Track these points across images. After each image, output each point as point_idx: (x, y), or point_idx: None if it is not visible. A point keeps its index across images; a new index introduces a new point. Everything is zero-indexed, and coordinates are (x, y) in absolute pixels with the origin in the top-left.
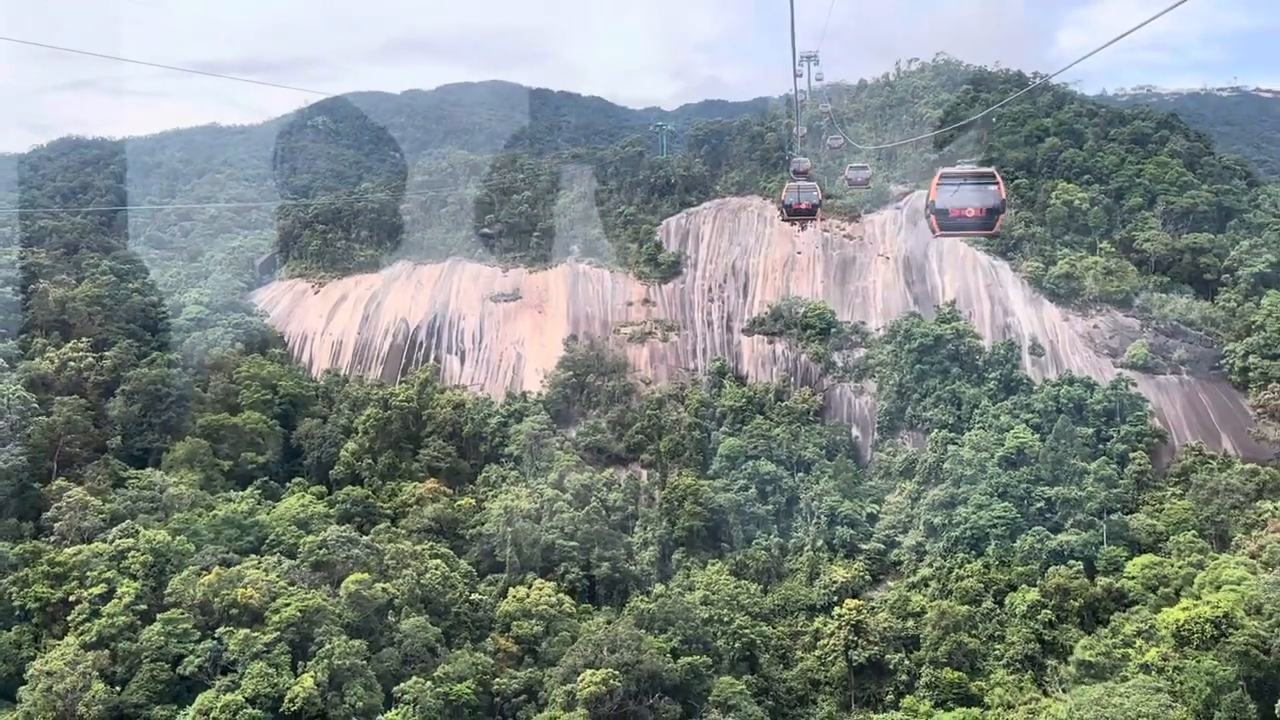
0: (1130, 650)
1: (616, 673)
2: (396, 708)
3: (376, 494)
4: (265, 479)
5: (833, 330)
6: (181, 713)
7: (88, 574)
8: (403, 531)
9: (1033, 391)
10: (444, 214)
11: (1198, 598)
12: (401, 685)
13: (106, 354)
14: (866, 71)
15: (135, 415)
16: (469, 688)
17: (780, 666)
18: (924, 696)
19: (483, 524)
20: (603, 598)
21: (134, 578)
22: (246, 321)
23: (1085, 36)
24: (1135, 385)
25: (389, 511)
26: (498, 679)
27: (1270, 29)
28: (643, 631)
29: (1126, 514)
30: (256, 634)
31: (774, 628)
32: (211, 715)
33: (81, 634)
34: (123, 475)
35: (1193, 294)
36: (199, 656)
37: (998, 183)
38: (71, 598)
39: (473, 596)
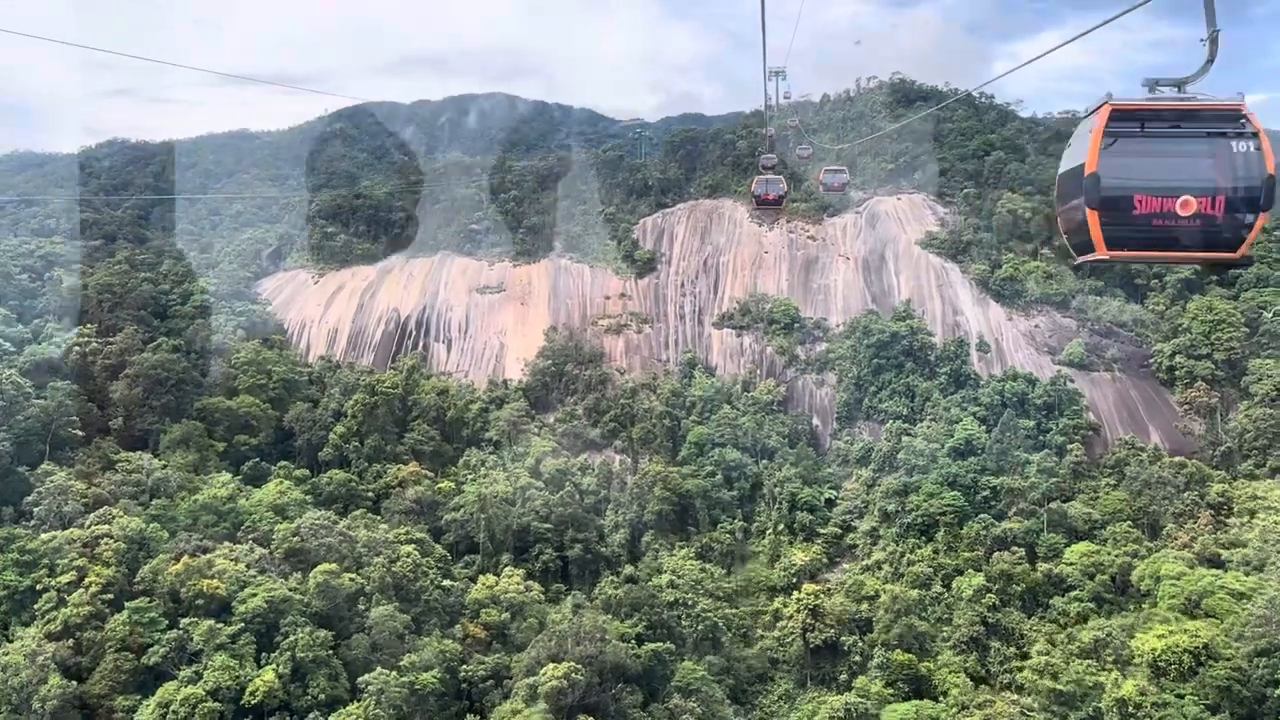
0: (1102, 677)
1: (579, 666)
2: (361, 699)
3: (362, 476)
4: (257, 460)
5: (796, 325)
6: (144, 704)
7: (58, 561)
8: (379, 517)
9: (980, 386)
10: (436, 211)
11: (1160, 606)
12: (365, 676)
13: (113, 339)
14: (828, 88)
15: (137, 398)
16: (435, 677)
17: (742, 645)
18: (876, 677)
19: (459, 508)
20: (575, 577)
21: (106, 565)
22: (249, 309)
23: (1009, 67)
24: (1072, 381)
25: (371, 494)
26: (465, 665)
27: (1169, 65)
28: (609, 616)
29: (1064, 502)
30: (221, 625)
31: (736, 608)
32: (171, 708)
33: (48, 623)
34: (114, 458)
35: (1124, 298)
36: (164, 646)
37: (1256, 133)
38: (39, 586)
39: (444, 583)
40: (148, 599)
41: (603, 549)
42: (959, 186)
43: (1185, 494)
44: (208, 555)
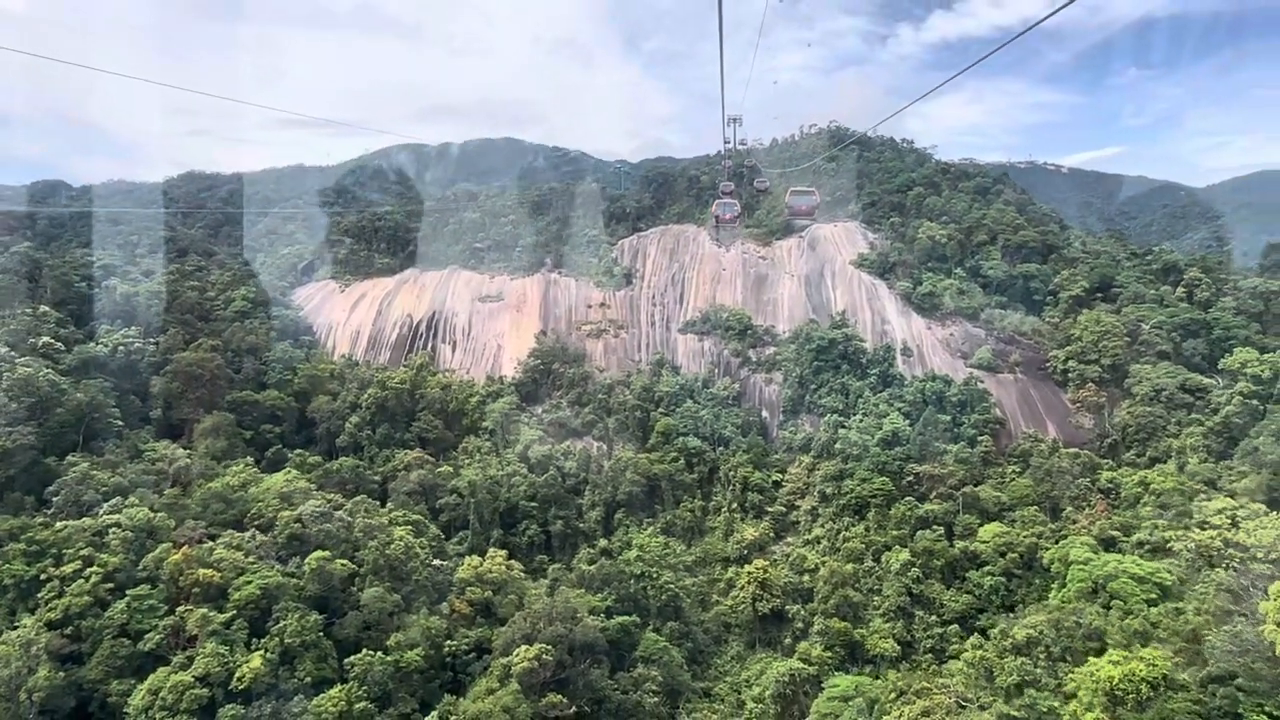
0: (1055, 701)
1: (549, 646)
2: (349, 680)
3: (373, 461)
4: (279, 446)
5: (749, 332)
6: (137, 688)
7: (65, 551)
8: (384, 501)
9: (904, 385)
10: (446, 232)
11: (1070, 588)
12: (351, 658)
13: (157, 339)
14: (776, 134)
15: (175, 391)
16: (419, 654)
17: (700, 610)
18: (816, 641)
19: (455, 490)
20: (557, 549)
21: (114, 554)
22: (283, 314)
23: (922, 121)
24: (982, 382)
25: (379, 478)
26: (450, 640)
27: (1050, 123)
28: (582, 590)
29: (976, 486)
30: (213, 613)
31: (696, 577)
32: (160, 694)
33: (49, 610)
34: (142, 448)
35: (1025, 311)
36: (159, 633)
37: None
38: (43, 575)
39: (435, 562)
40: (149, 586)
41: (581, 524)
42: (886, 216)
43: (1079, 480)
44: (209, 543)
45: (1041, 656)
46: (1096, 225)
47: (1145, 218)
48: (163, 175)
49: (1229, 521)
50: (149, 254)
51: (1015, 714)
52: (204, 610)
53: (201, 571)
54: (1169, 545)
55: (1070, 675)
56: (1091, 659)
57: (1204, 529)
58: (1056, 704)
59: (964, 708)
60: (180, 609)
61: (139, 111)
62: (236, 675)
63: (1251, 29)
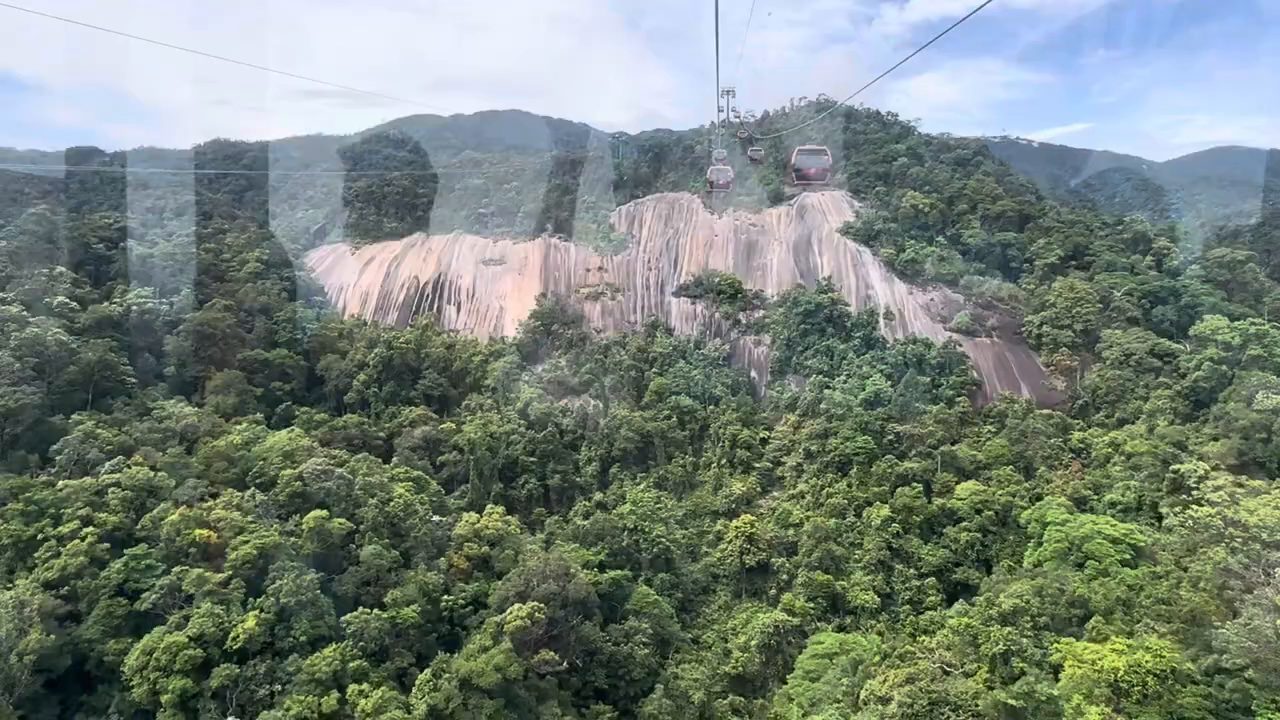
0: (1051, 689)
1: (541, 605)
2: (345, 638)
3: (379, 417)
4: (289, 404)
5: (739, 296)
6: (134, 647)
7: (64, 510)
8: (389, 457)
9: (886, 348)
10: (452, 198)
11: (1046, 549)
12: (346, 616)
13: (172, 299)
14: (767, 106)
15: (188, 350)
16: (415, 610)
17: (689, 561)
18: (799, 593)
19: (457, 446)
20: (555, 502)
21: (114, 513)
22: (296, 275)
23: (904, 98)
24: (960, 345)
25: (384, 434)
26: (448, 595)
27: (1023, 100)
28: (577, 545)
29: (953, 445)
30: (209, 573)
31: (685, 530)
32: (154, 654)
33: (46, 570)
34: (150, 406)
35: (1002, 277)
36: (156, 593)
37: None
38: (40, 535)
39: (434, 518)
40: (148, 546)
41: (577, 479)
42: (871, 185)
43: (1052, 441)
44: (208, 503)
45: (1027, 626)
46: (1065, 197)
47: (1109, 190)
48: (190, 143)
49: (1228, 498)
50: (175, 217)
51: (1013, 703)
52: (200, 570)
53: (199, 531)
54: (1162, 515)
55: (1055, 645)
56: (1093, 645)
57: (1202, 505)
58: (1055, 691)
59: (948, 673)
60: (176, 569)
61: (168, 80)
62: (231, 635)
63: (1215, 12)
